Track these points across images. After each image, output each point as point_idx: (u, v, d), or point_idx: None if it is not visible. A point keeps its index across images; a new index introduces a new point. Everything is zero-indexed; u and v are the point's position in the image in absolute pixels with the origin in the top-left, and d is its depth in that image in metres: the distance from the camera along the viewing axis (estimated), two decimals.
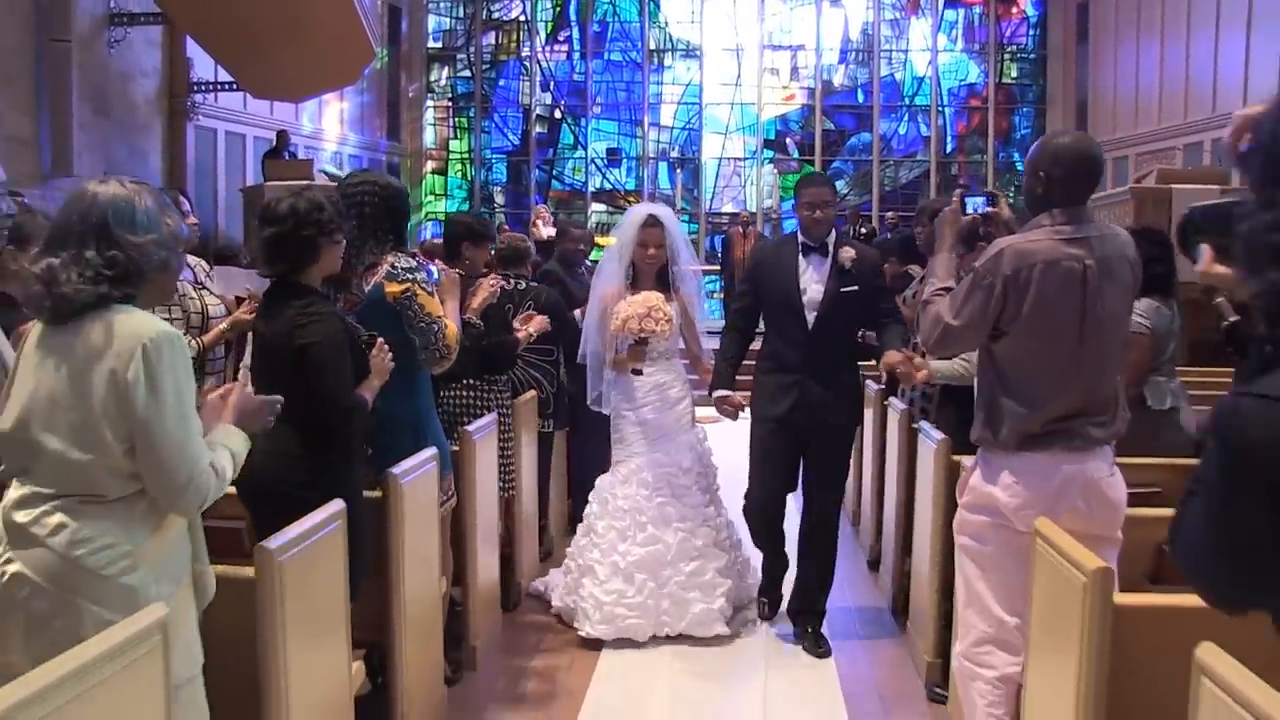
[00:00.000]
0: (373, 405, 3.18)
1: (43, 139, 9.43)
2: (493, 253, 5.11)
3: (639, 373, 4.57)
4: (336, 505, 2.78)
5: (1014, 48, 17.05)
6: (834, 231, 4.42)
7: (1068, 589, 2.44)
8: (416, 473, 3.37)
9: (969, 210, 3.13)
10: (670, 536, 4.48)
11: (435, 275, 3.84)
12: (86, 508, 2.08)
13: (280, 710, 2.45)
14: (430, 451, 3.53)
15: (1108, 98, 15.50)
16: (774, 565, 4.66)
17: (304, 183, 9.77)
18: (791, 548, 4.60)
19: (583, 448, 5.70)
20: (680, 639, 4.42)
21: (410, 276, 3.53)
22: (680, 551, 4.47)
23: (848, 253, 4.31)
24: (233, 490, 2.61)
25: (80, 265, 2.13)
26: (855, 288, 4.28)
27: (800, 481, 4.51)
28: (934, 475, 3.90)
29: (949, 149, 17.15)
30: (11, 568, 2.05)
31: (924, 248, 4.61)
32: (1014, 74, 17.10)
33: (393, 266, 3.54)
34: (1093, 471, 2.86)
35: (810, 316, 4.28)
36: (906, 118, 17.13)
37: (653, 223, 4.64)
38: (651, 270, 4.64)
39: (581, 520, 4.81)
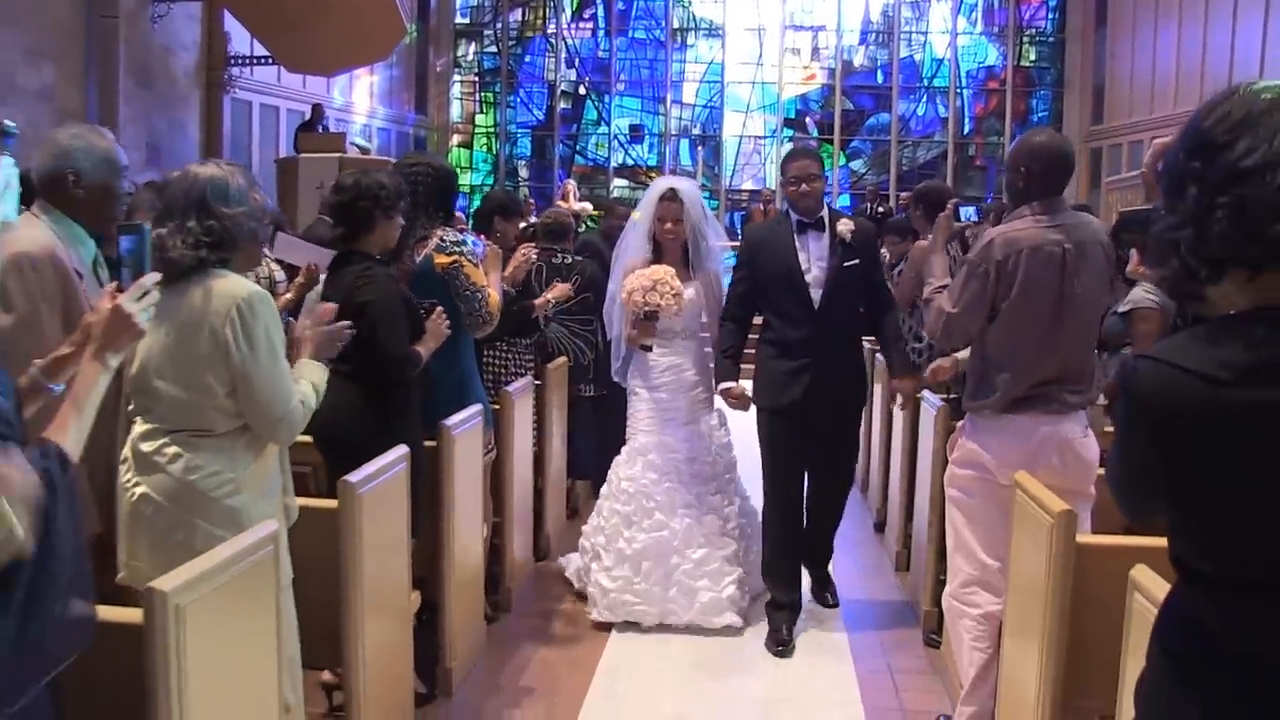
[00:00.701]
0: (425, 363, 3.53)
1: (90, 111, 9.71)
2: (521, 227, 5.44)
3: (648, 349, 4.45)
4: (402, 449, 3.14)
5: (1033, 31, 17.07)
6: (826, 206, 4.31)
7: (1038, 530, 2.77)
8: (465, 426, 3.70)
9: (961, 219, 3.48)
10: (676, 523, 4.39)
11: (481, 248, 4.19)
12: (198, 440, 2.46)
13: (357, 619, 2.83)
14: (476, 407, 3.86)
15: (1124, 81, 15.45)
16: (787, 591, 4.36)
17: (336, 155, 10.14)
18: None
19: (612, 422, 5.89)
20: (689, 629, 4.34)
21: (458, 250, 3.86)
22: (686, 538, 4.38)
23: (846, 225, 4.21)
24: (306, 439, 2.99)
25: (184, 234, 2.49)
26: (856, 261, 4.20)
27: (812, 463, 4.41)
28: (934, 440, 4.18)
29: (966, 130, 17.23)
30: (139, 489, 2.45)
31: (915, 227, 5.01)
32: (1032, 57, 17.11)
33: (441, 240, 3.88)
34: (1067, 433, 3.19)
35: (816, 295, 4.16)
36: (925, 99, 17.22)
37: (670, 196, 4.48)
38: (674, 246, 4.49)
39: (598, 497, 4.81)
